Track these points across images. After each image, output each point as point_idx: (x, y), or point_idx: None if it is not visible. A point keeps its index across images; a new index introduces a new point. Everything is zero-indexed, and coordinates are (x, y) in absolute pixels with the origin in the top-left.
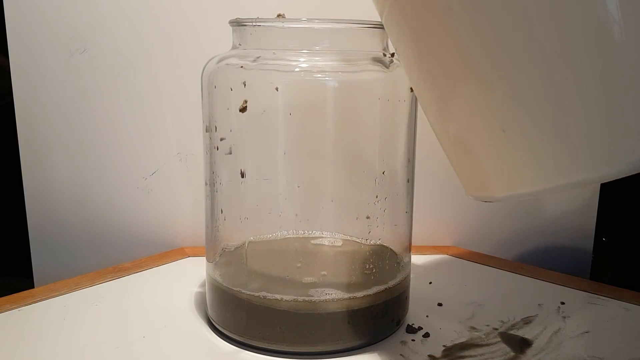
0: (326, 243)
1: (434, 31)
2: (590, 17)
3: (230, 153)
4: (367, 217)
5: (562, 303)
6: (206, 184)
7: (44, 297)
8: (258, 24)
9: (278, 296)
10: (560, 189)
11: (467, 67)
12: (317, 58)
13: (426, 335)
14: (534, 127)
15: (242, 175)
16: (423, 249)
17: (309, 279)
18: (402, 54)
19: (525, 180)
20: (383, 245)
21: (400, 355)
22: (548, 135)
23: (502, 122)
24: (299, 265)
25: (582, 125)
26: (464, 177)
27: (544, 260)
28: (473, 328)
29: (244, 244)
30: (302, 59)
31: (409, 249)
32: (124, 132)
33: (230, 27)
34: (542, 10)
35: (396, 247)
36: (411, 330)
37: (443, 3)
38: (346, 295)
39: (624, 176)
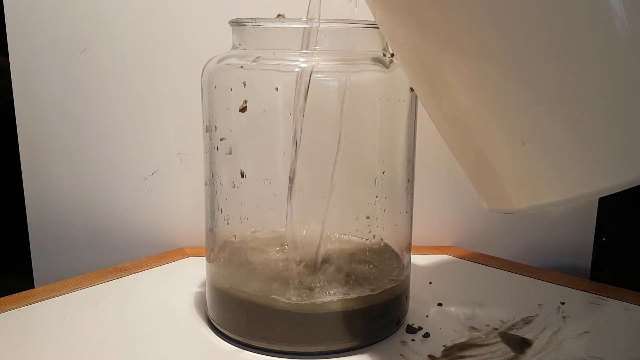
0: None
1: (441, 38)
2: (604, 20)
3: (230, 153)
4: (367, 217)
5: (562, 303)
6: (206, 184)
7: (44, 297)
8: (258, 24)
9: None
10: (584, 197)
11: (480, 82)
12: (317, 58)
13: (426, 335)
14: (555, 138)
15: (242, 175)
16: (423, 249)
17: (309, 279)
18: (402, 59)
19: (547, 191)
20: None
21: (400, 355)
22: (569, 145)
23: (522, 134)
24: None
25: (602, 133)
26: (482, 191)
27: (544, 260)
28: (473, 328)
29: (244, 242)
30: (302, 59)
31: (409, 249)
32: (124, 132)
33: (230, 27)
34: (557, 18)
35: (396, 247)
36: (411, 330)
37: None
38: (346, 296)
39: None
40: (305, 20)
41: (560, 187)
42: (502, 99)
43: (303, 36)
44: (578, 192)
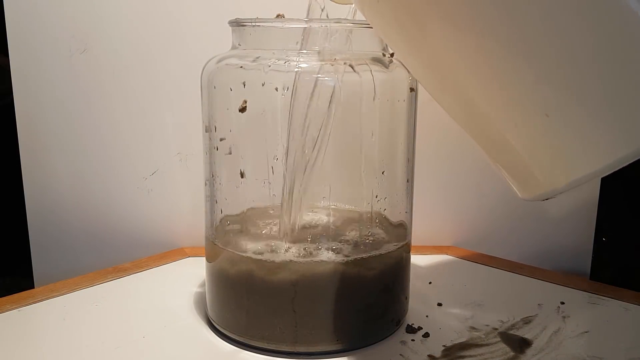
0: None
1: (440, 27)
2: None
3: (230, 153)
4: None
5: (562, 303)
6: (206, 184)
7: (44, 297)
8: (257, 24)
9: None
10: (622, 162)
11: (491, 59)
12: (315, 58)
13: (426, 335)
14: (579, 103)
15: (242, 175)
16: (423, 249)
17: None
18: (400, 54)
19: (581, 162)
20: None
21: (400, 355)
22: (596, 109)
23: (544, 105)
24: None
25: (631, 89)
26: (517, 179)
27: (544, 260)
28: (473, 328)
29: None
30: (301, 59)
31: (408, 249)
32: (124, 132)
33: (230, 27)
34: None
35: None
36: (411, 330)
37: None
38: (346, 295)
39: None
40: (304, 21)
41: (594, 155)
42: (517, 74)
43: (303, 36)
44: (615, 156)
